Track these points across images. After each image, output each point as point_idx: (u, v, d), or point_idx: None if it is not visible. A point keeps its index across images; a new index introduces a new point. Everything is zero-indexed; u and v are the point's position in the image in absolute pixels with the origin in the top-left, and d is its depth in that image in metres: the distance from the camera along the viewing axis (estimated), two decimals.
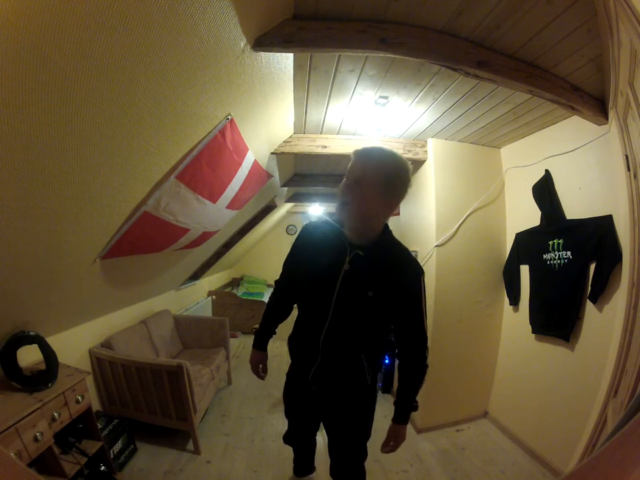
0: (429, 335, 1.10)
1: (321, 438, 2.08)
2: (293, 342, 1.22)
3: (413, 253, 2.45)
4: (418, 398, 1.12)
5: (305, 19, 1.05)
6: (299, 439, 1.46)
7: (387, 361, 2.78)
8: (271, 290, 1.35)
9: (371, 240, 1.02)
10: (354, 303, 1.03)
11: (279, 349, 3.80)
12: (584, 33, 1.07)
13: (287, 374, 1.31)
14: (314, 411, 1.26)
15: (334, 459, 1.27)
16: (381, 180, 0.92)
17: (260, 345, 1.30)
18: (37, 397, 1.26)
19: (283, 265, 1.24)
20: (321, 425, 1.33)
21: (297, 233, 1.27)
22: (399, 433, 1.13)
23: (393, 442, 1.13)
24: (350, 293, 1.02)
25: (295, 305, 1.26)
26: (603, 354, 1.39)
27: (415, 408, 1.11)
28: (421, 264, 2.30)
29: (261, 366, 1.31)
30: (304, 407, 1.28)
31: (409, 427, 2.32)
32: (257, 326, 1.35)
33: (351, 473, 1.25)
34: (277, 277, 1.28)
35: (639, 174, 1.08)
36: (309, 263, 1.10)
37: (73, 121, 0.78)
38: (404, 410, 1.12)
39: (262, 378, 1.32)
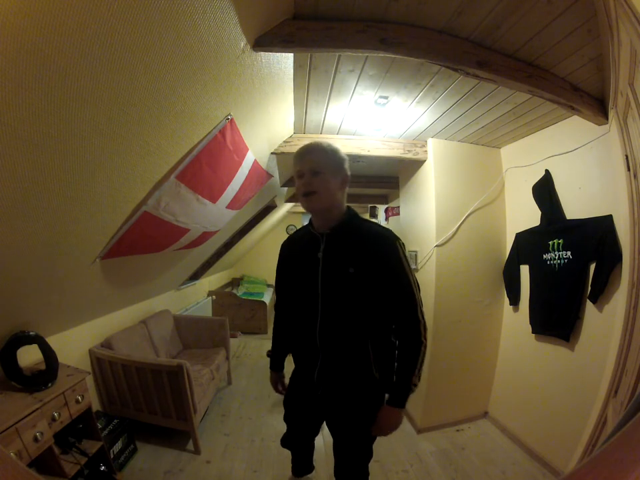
0: (429, 333, 1.09)
1: (321, 438, 2.08)
2: (293, 348, 1.25)
3: (412, 253, 2.48)
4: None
5: (304, 19, 1.05)
6: (298, 443, 1.46)
7: None
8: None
9: (338, 222, 1.09)
10: (337, 284, 1.04)
11: None
12: (584, 32, 1.07)
13: (290, 379, 1.32)
14: (317, 414, 1.25)
15: (339, 460, 1.23)
16: (335, 165, 1.06)
17: (274, 366, 1.39)
18: (37, 397, 1.26)
19: (275, 287, 1.31)
20: (323, 426, 1.31)
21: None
22: (389, 416, 1.05)
23: (383, 425, 1.06)
24: (331, 275, 1.05)
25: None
26: (603, 354, 1.39)
27: (410, 389, 1.02)
28: (421, 264, 2.35)
29: (279, 384, 1.39)
30: (307, 412, 1.27)
31: (409, 427, 2.31)
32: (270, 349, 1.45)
33: (356, 474, 1.22)
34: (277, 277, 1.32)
35: (638, 174, 1.08)
36: (292, 271, 1.19)
37: (73, 120, 0.78)
38: (398, 391, 1.03)
39: (282, 394, 1.39)
